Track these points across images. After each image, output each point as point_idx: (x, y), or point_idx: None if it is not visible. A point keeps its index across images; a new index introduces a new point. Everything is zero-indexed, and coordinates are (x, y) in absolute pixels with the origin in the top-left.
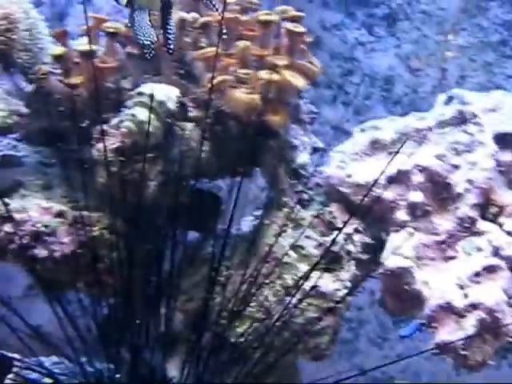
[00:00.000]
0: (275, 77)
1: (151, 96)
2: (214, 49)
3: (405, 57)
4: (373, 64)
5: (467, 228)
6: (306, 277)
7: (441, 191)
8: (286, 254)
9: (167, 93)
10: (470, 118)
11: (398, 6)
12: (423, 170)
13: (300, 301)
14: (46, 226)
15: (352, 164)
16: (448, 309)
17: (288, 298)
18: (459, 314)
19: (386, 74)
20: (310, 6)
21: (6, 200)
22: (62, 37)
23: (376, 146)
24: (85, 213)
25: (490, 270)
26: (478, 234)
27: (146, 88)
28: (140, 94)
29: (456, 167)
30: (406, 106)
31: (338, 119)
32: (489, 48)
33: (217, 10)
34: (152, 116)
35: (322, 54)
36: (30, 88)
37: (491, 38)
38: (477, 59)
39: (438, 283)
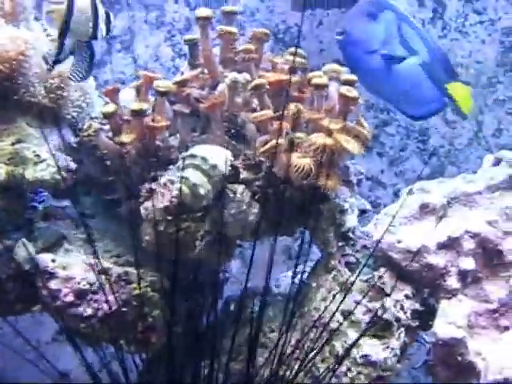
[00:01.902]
0: (330, 141)
1: (204, 159)
2: (268, 112)
3: None
4: None
5: None
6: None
7: (492, 258)
8: (335, 320)
9: (220, 155)
10: None
11: None
12: (474, 236)
13: (349, 369)
14: (90, 284)
15: (401, 228)
16: None
17: (337, 366)
18: None
19: (422, 126)
20: None
21: (52, 256)
22: (112, 94)
23: (425, 210)
24: (129, 269)
25: None
26: None
27: (199, 150)
28: (193, 156)
29: (508, 233)
30: (441, 158)
31: (374, 170)
32: None
33: None
34: (204, 179)
35: None
36: (76, 142)
37: None
38: None
39: (492, 355)
